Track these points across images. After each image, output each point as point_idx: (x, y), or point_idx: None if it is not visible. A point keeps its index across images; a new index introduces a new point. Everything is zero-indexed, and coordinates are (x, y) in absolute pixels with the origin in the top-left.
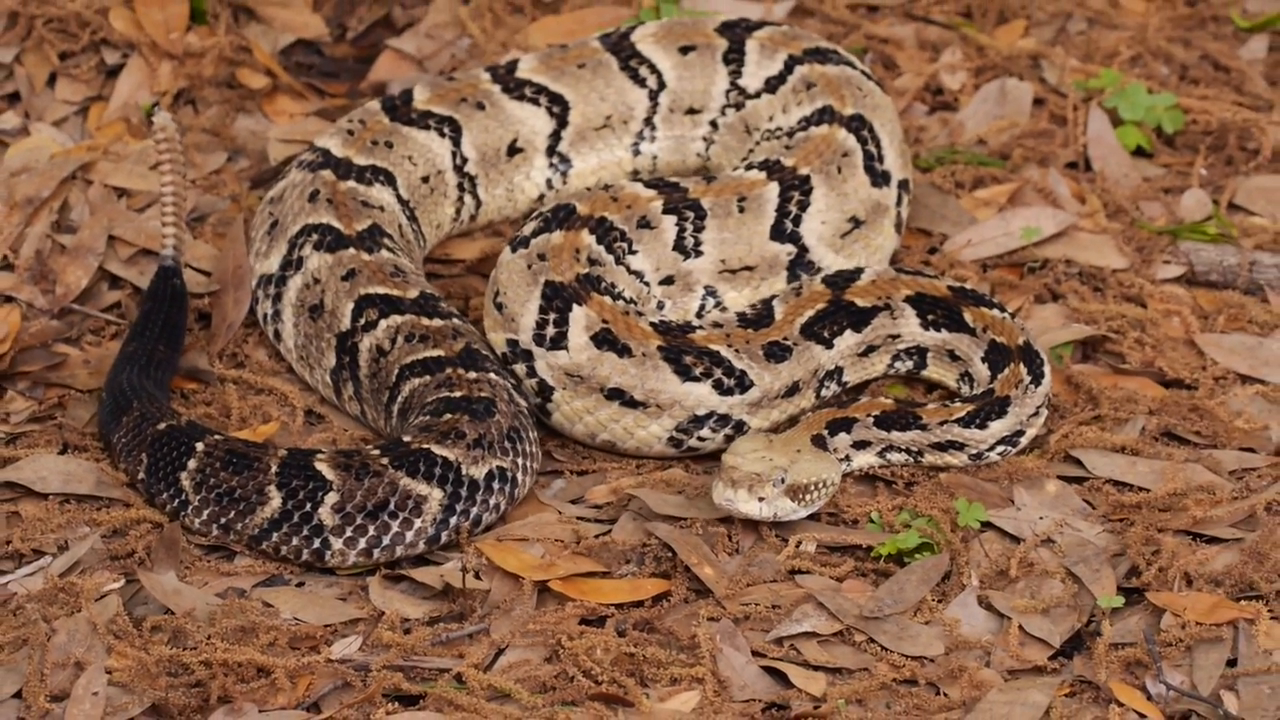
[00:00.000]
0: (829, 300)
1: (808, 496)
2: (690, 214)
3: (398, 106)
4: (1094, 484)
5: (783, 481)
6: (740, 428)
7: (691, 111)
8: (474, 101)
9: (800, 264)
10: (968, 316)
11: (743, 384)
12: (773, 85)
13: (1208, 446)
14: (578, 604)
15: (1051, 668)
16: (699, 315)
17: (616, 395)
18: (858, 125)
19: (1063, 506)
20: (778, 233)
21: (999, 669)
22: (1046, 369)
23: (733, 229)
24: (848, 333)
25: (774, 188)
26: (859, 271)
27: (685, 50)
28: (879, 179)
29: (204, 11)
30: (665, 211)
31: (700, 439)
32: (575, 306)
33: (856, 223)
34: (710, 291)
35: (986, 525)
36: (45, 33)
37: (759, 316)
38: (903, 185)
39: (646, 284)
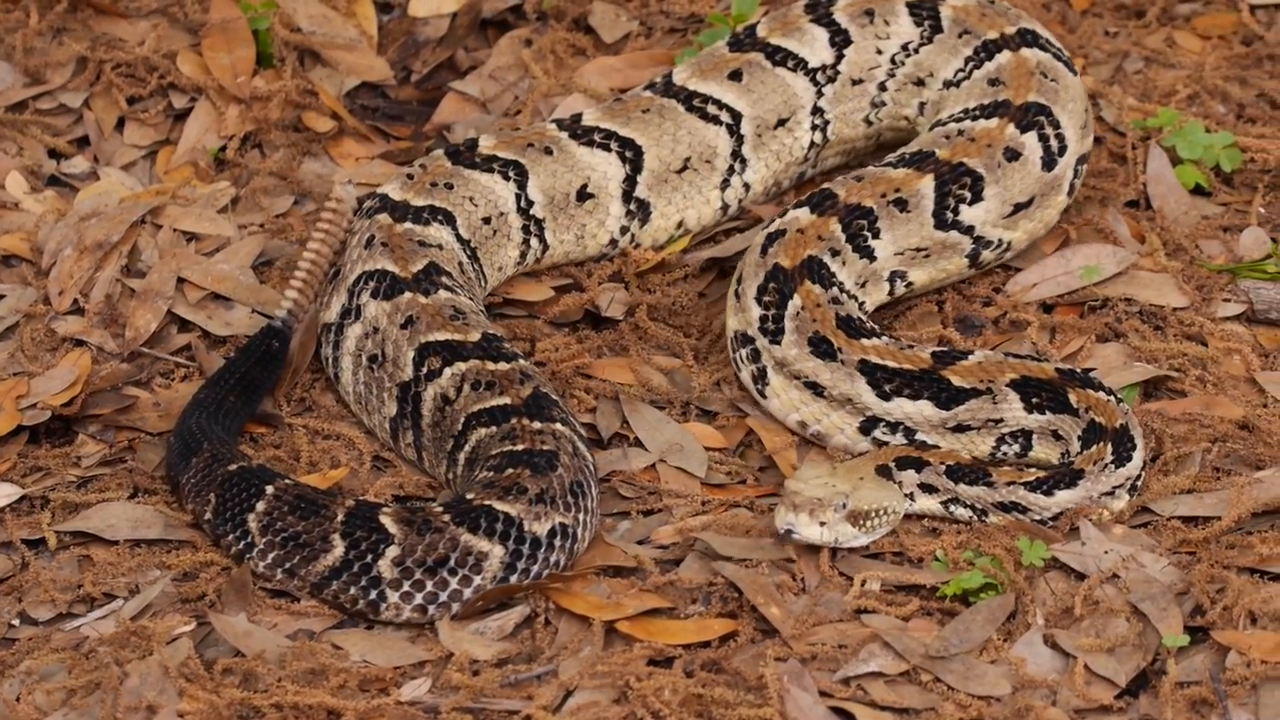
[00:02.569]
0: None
1: (869, 523)
2: (967, 179)
3: (461, 152)
4: (1160, 521)
5: (844, 507)
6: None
7: (781, 123)
8: (541, 147)
9: (1076, 174)
10: (1073, 398)
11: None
12: (840, 45)
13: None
14: (645, 645)
15: (1118, 707)
16: (974, 262)
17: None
18: (1033, 38)
19: (1129, 543)
20: (1048, 163)
21: (1065, 708)
22: (1137, 455)
23: (1012, 179)
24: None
25: (1023, 132)
26: (968, 354)
27: (735, 76)
28: (1071, 67)
29: (270, 55)
30: (938, 187)
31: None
32: (793, 298)
33: (1088, 111)
34: (985, 244)
35: (1052, 562)
36: (113, 77)
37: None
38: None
39: (874, 260)
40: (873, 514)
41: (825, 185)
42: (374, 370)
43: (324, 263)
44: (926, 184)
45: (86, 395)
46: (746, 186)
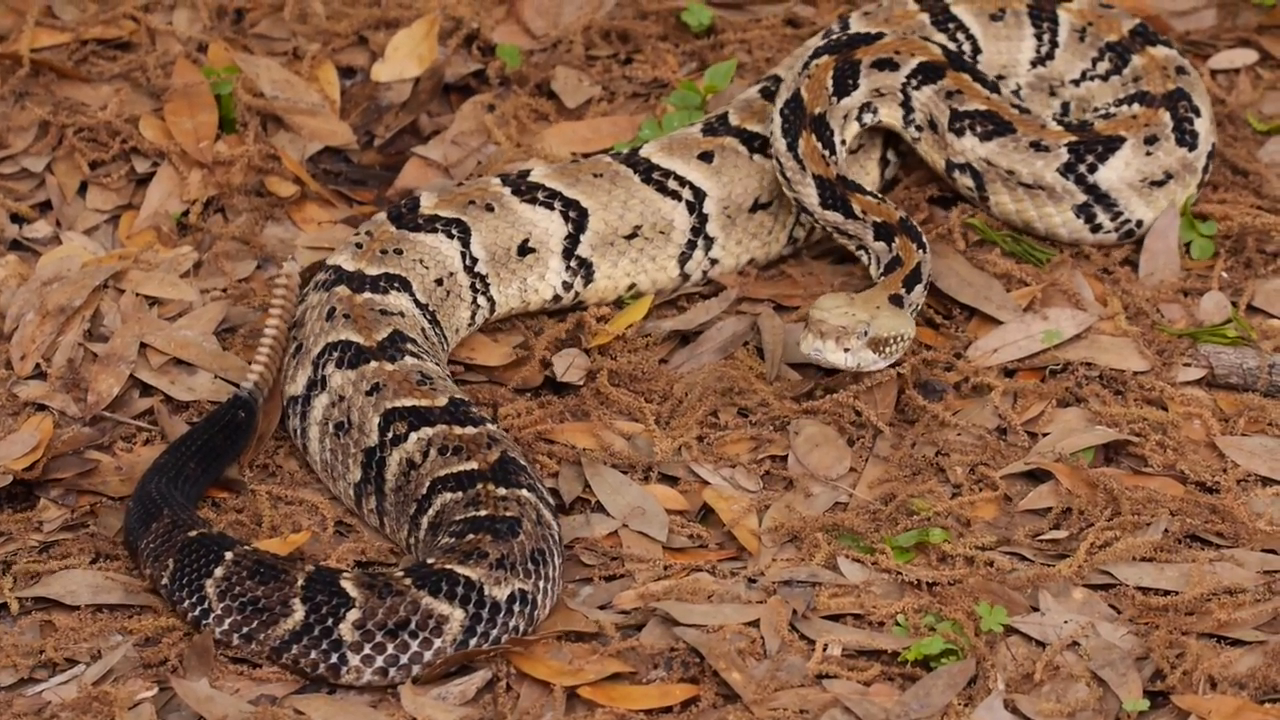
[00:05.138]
0: None
1: (887, 349)
2: (1094, 149)
3: (404, 214)
4: (1122, 590)
5: (865, 334)
6: None
7: (761, 207)
8: (483, 204)
9: (1209, 160)
10: (855, 206)
11: None
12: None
13: (1230, 547)
14: (607, 710)
15: None
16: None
17: None
18: (1143, 29)
19: (1089, 611)
20: (1182, 141)
21: None
22: (924, 240)
23: (1152, 155)
24: None
25: (1166, 115)
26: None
27: (706, 157)
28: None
29: (233, 120)
30: (1069, 150)
31: None
32: None
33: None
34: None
35: (1011, 630)
36: (76, 142)
37: None
38: None
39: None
40: (891, 340)
41: None
42: (340, 437)
43: (284, 336)
44: None
45: (48, 459)
46: (713, 261)
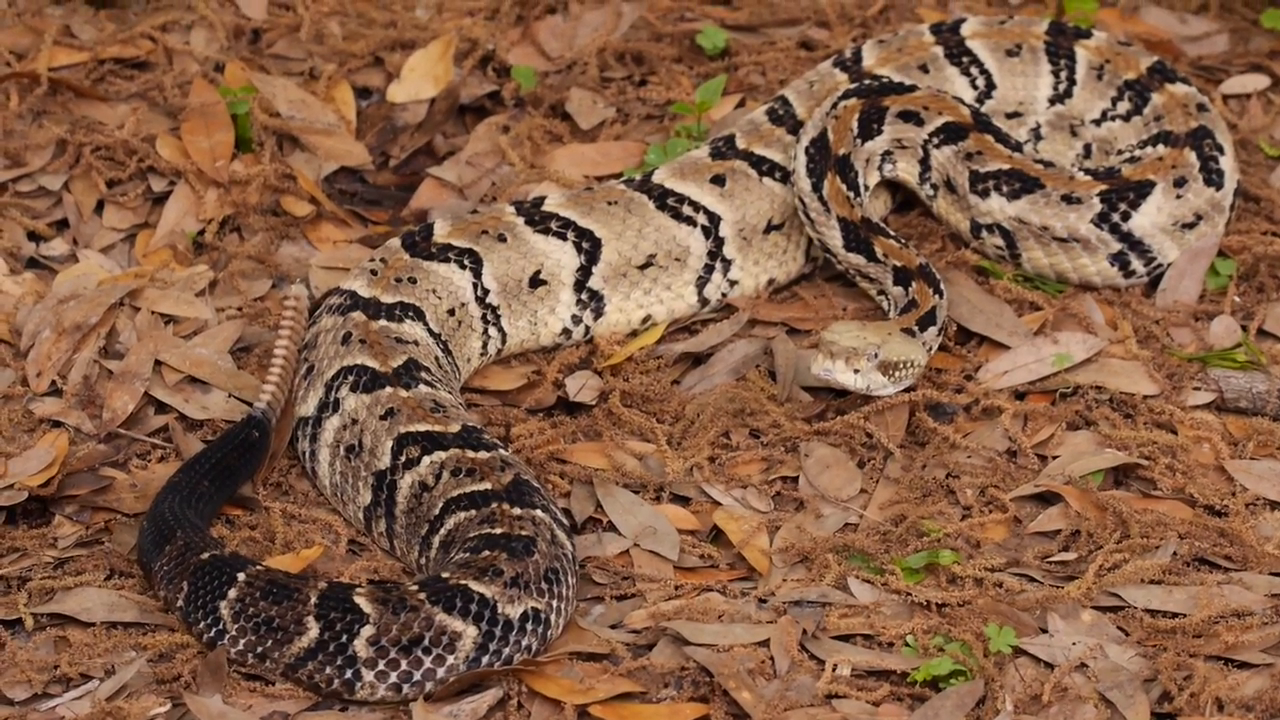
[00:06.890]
0: None
1: (897, 373)
2: (1126, 196)
3: (417, 242)
4: (1130, 612)
5: (876, 357)
6: None
7: (772, 229)
8: (495, 234)
9: (1235, 197)
10: (877, 249)
11: None
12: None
13: (1238, 570)
14: None
15: None
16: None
17: None
18: (1161, 66)
19: (1097, 633)
20: (1209, 181)
21: None
22: (944, 287)
23: (1182, 198)
24: None
25: (1191, 154)
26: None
27: (718, 181)
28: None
29: (249, 139)
30: (1101, 200)
31: None
32: None
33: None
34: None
35: (1019, 651)
36: (93, 160)
37: None
38: None
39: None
40: (901, 364)
41: None
42: (350, 460)
43: (294, 357)
44: None
45: (63, 476)
46: (733, 283)
